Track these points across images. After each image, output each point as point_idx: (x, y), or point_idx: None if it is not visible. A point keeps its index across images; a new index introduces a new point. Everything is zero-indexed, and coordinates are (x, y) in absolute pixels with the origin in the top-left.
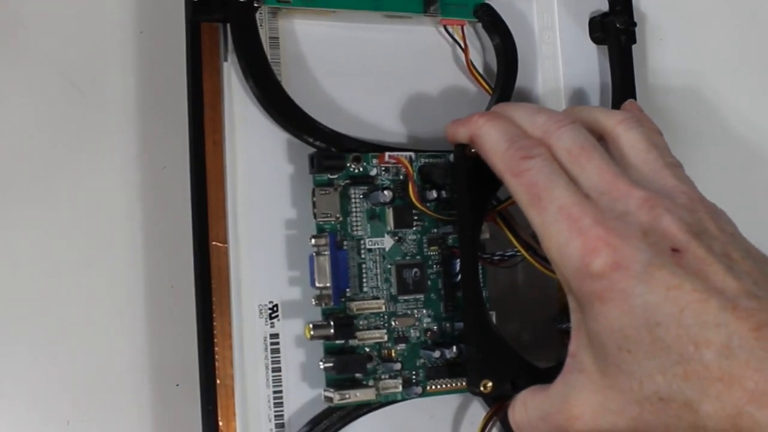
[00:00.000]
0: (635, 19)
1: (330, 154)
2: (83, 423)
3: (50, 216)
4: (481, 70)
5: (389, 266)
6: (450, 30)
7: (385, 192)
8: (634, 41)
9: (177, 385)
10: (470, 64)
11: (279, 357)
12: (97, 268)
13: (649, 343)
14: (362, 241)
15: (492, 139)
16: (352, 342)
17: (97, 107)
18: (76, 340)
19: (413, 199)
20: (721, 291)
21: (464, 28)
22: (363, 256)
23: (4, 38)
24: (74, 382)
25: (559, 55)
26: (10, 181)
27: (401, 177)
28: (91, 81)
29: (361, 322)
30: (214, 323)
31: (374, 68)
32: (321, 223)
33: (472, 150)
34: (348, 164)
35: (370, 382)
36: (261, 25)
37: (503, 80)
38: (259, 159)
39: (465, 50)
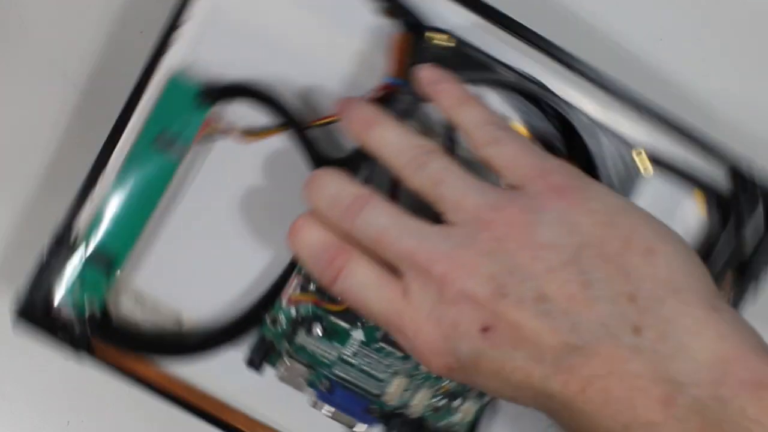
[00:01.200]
0: None
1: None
2: (83, 423)
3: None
4: None
5: (378, 344)
6: None
7: (317, 330)
8: None
9: None
10: None
11: None
12: None
13: None
14: (342, 357)
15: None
16: None
17: (97, 107)
18: None
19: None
20: (541, 356)
21: None
22: (356, 361)
23: (4, 38)
24: (74, 382)
25: None
26: (9, 180)
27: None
28: (91, 81)
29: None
30: None
31: None
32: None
33: None
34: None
35: None
36: None
37: None
38: None
39: None
